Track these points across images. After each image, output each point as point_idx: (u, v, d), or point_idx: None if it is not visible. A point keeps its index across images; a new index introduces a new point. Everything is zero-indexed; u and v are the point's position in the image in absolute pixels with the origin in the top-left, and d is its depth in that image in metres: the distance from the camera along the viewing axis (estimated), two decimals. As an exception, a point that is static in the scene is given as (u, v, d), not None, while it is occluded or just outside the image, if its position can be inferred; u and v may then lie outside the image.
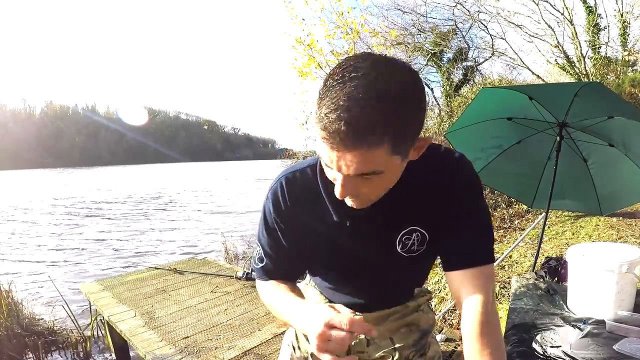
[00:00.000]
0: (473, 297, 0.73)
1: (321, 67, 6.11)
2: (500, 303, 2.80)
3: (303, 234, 0.82)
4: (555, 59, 10.15)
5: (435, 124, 8.38)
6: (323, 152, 0.60)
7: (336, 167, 0.60)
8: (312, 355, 1.03)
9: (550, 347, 1.23)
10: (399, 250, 0.81)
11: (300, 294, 0.83)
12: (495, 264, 1.46)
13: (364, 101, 0.53)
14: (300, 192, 0.80)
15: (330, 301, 1.02)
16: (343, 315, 0.62)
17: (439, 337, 2.57)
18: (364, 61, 0.57)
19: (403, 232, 0.80)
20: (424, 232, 0.80)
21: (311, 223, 0.81)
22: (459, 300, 0.76)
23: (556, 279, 1.89)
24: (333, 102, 0.54)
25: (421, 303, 1.01)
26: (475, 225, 0.78)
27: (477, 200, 0.78)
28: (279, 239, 0.83)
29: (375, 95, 0.53)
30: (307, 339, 1.03)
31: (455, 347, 2.49)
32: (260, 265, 0.87)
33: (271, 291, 0.85)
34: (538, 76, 10.29)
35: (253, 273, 3.78)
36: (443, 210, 0.77)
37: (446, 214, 0.77)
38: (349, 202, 0.70)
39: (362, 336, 0.98)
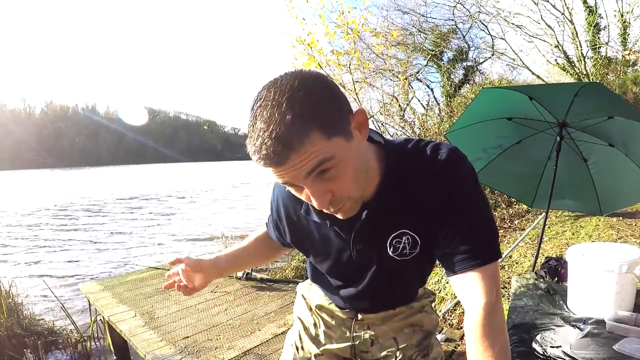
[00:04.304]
0: (474, 299, 0.72)
1: (321, 67, 6.10)
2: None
3: (295, 229, 0.90)
4: (555, 59, 10.15)
5: (435, 124, 8.37)
6: (273, 176, 0.62)
7: (290, 179, 0.61)
8: (315, 355, 1.03)
9: (550, 347, 1.23)
10: (390, 253, 0.80)
11: (253, 246, 1.06)
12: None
13: (274, 116, 0.57)
14: (290, 197, 0.84)
15: (332, 302, 1.02)
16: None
17: (439, 337, 2.57)
18: (270, 88, 0.59)
19: (393, 235, 0.78)
20: (414, 235, 0.78)
21: (301, 222, 0.87)
22: (463, 304, 0.75)
23: (556, 279, 1.89)
24: (252, 132, 0.59)
25: (425, 304, 1.01)
26: (471, 225, 0.73)
27: (471, 197, 0.74)
28: (274, 220, 0.97)
29: (283, 105, 0.57)
30: (311, 340, 1.04)
31: (455, 347, 2.48)
32: (267, 220, 1.04)
33: (250, 236, 1.08)
34: (538, 76, 10.28)
35: (253, 273, 3.80)
36: (434, 212, 0.74)
37: (438, 216, 0.74)
38: (338, 215, 0.71)
39: (367, 336, 0.98)
